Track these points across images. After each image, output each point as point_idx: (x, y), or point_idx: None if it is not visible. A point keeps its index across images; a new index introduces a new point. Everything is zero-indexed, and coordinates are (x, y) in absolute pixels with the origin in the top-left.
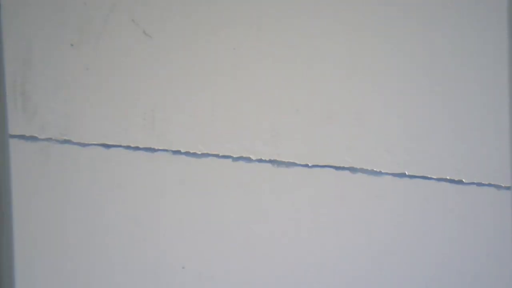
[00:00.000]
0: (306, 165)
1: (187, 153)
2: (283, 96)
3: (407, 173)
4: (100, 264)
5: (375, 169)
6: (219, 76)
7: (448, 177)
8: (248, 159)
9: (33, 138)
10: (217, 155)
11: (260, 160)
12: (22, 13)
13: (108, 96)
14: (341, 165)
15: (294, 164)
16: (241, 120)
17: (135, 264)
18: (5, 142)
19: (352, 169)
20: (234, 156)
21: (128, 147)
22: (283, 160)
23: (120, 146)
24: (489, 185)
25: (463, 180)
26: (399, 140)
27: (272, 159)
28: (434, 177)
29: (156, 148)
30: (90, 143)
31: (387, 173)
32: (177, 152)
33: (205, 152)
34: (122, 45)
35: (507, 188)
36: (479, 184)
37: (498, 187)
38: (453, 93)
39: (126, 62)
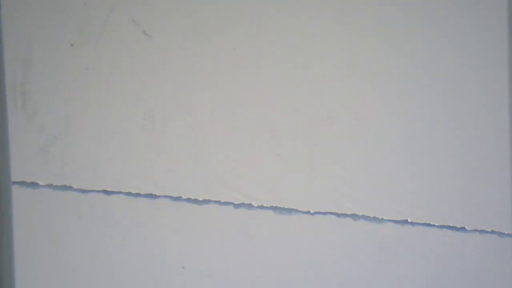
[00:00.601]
0: (308, 212)
1: (188, 200)
2: (283, 96)
3: (409, 220)
4: (100, 264)
5: (377, 216)
6: (219, 76)
7: (450, 224)
8: (250, 206)
9: (34, 185)
10: (218, 202)
11: (261, 207)
12: (22, 13)
13: (108, 96)
14: (343, 212)
15: (295, 211)
16: (241, 120)
17: (135, 264)
18: (5, 139)
19: (354, 216)
20: (236, 202)
21: (129, 194)
22: (285, 206)
23: (120, 192)
24: (492, 232)
25: (466, 227)
26: (400, 142)
27: (273, 205)
28: (436, 224)
29: (157, 194)
30: (91, 189)
31: (389, 220)
32: (178, 198)
33: (206, 198)
34: (122, 45)
35: (510, 235)
36: (482, 232)
37: (500, 234)
38: (453, 93)
39: (126, 62)
